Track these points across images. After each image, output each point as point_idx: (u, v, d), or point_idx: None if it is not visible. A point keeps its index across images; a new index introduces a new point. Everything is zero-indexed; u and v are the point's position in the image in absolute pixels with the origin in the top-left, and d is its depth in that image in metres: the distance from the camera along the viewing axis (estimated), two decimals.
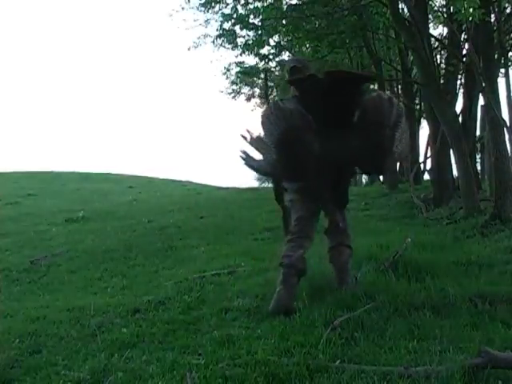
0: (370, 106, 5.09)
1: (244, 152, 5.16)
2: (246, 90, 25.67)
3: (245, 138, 5.12)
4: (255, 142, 5.12)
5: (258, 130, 5.09)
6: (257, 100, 26.38)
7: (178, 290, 6.24)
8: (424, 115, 20.56)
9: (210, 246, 9.50)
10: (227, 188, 24.55)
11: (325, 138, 4.95)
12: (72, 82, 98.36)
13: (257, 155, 5.19)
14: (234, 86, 25.18)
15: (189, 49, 18.55)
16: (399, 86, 22.76)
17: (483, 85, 9.81)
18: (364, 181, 35.31)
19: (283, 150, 4.90)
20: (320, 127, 4.98)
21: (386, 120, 4.99)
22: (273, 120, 4.95)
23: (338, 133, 4.98)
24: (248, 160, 5.19)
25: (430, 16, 16.09)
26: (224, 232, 10.83)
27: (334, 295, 5.28)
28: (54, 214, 15.74)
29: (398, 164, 6.13)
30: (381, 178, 26.26)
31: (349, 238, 5.62)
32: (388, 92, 23.13)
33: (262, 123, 5.02)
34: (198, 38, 18.20)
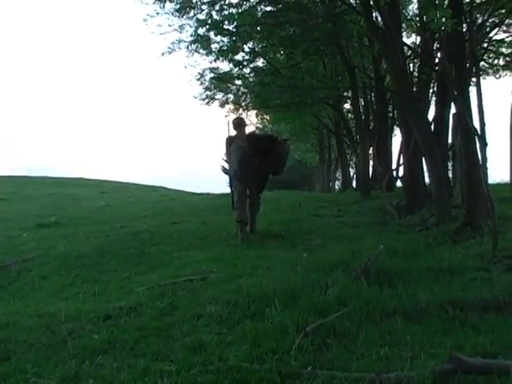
0: (279, 148, 10.75)
1: (223, 166, 11.15)
2: (220, 95, 25.49)
3: (223, 159, 11.22)
4: (227, 159, 11.01)
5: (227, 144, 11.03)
6: (231, 106, 26.25)
7: (150, 296, 6.22)
8: (397, 122, 20.74)
9: (183, 251, 9.46)
10: (201, 194, 24.48)
11: (259, 159, 10.35)
12: (45, 85, 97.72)
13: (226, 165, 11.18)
14: (208, 92, 25.04)
15: (163, 54, 18.45)
16: (372, 94, 22.95)
17: (455, 93, 9.91)
18: (337, 187, 35.46)
19: (242, 164, 10.36)
20: (258, 154, 10.36)
21: (284, 154, 10.94)
22: (238, 149, 10.49)
23: (265, 158, 10.41)
24: (224, 169, 11.16)
25: (403, 25, 16.24)
26: (197, 238, 10.80)
27: (306, 301, 5.29)
28: (26, 219, 15.58)
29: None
30: (354, 185, 26.53)
31: (259, 203, 10.91)
32: (362, 100, 23.34)
33: (232, 150, 10.60)
34: (173, 43, 18.12)
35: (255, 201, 10.75)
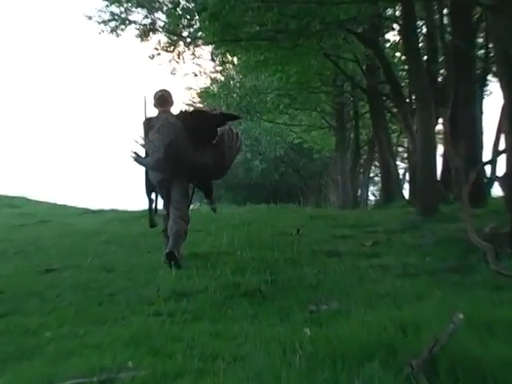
0: (224, 135, 13.06)
1: (135, 152, 12.94)
2: (139, 16, 25.19)
3: (137, 142, 13.00)
4: (146, 145, 13.07)
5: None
6: (161, 37, 25.84)
7: None
8: (494, 69, 20.88)
9: (66, 328, 9.44)
10: (101, 211, 24.54)
11: (194, 148, 12.71)
12: None
13: (143, 154, 13.23)
14: (116, 9, 24.86)
15: None
16: (444, 11, 22.99)
17: None
18: (372, 198, 35.57)
19: (173, 149, 12.54)
20: (195, 141, 12.68)
21: (230, 143, 13.32)
22: (165, 131, 12.72)
23: (203, 147, 12.78)
24: (138, 158, 12.87)
25: None
26: (94, 300, 10.81)
27: None
28: None
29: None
30: (405, 193, 26.72)
31: (187, 219, 13.45)
32: (422, 24, 23.51)
33: (157, 131, 12.74)
34: None
35: (181, 213, 13.16)
